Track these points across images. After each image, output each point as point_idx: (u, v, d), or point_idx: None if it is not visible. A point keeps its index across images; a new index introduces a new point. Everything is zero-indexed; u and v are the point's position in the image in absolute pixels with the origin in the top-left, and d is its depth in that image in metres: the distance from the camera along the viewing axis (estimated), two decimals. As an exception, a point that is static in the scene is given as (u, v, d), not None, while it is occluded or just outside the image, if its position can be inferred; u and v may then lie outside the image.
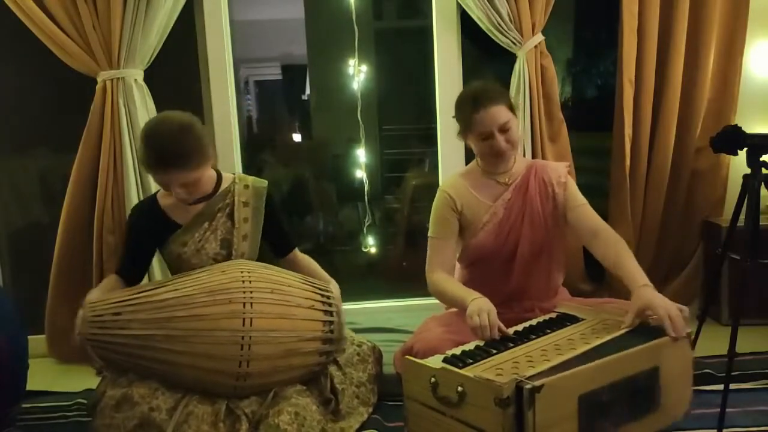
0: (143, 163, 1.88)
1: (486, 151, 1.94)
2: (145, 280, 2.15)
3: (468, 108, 1.92)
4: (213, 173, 2.00)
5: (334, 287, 2.02)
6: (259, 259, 2.03)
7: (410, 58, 3.45)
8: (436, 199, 2.04)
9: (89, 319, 1.75)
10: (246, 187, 2.02)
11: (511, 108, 1.95)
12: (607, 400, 1.48)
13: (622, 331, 1.65)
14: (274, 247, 2.11)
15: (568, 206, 1.98)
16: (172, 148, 1.77)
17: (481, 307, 1.72)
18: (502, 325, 1.71)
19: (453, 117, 2.05)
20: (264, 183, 2.05)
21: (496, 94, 1.92)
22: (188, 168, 1.80)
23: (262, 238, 2.03)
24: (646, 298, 1.65)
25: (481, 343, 1.67)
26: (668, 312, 1.59)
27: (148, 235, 1.98)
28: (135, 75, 2.54)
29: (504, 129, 1.90)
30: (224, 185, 2.01)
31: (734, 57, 2.74)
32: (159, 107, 2.61)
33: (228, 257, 1.97)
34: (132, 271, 2.03)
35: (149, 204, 2.03)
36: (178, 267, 1.98)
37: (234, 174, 2.06)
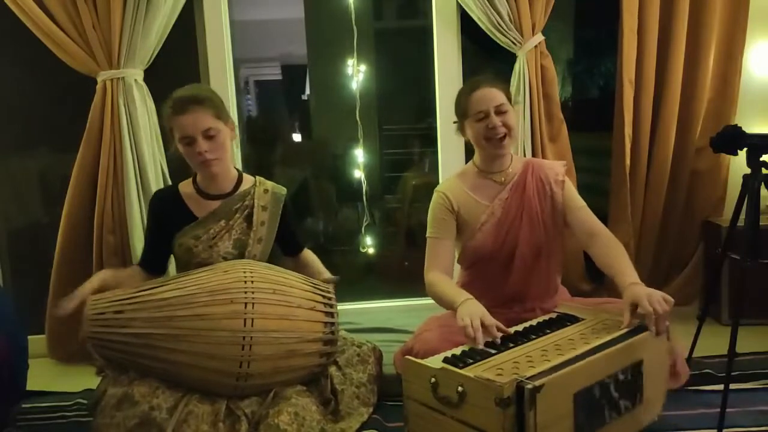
0: (169, 117, 1.91)
1: (482, 133, 1.94)
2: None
3: (465, 91, 1.99)
4: (234, 172, 2.05)
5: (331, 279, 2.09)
6: (267, 261, 2.06)
7: (410, 58, 3.45)
8: (432, 200, 2.05)
9: (90, 317, 1.75)
10: (265, 191, 2.05)
11: (508, 96, 1.99)
12: (599, 396, 1.50)
13: (622, 331, 1.65)
14: (283, 247, 2.16)
15: (567, 208, 1.98)
16: (192, 92, 1.92)
17: (471, 311, 1.71)
18: (500, 324, 1.71)
19: (454, 122, 2.06)
20: (283, 191, 2.09)
21: (493, 79, 1.99)
22: (207, 108, 1.88)
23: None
24: (632, 294, 1.67)
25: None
26: (652, 305, 1.61)
27: (166, 221, 2.00)
28: (135, 75, 2.54)
29: (500, 111, 1.93)
30: (244, 186, 2.05)
31: (734, 57, 2.74)
32: (159, 107, 2.61)
33: (239, 258, 1.98)
34: (153, 261, 2.06)
35: (169, 190, 2.08)
36: (187, 261, 1.98)
37: (255, 177, 2.10)
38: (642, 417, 1.64)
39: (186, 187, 2.04)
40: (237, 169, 2.08)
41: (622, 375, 1.55)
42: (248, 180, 2.07)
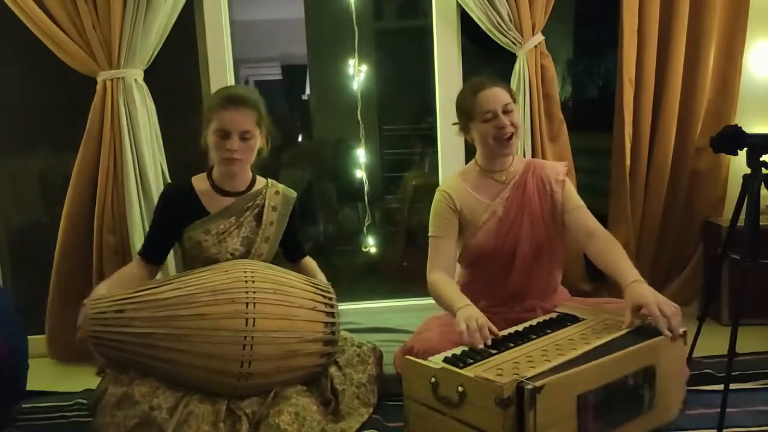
0: (213, 108, 1.95)
1: (491, 132, 1.94)
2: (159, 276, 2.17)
3: (469, 92, 1.98)
4: (250, 173, 2.09)
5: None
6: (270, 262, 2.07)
7: (410, 58, 3.45)
8: (434, 199, 2.05)
9: (91, 316, 1.75)
10: (276, 193, 2.09)
11: (511, 94, 1.99)
12: (605, 400, 1.48)
13: (623, 332, 1.65)
14: (286, 252, 2.19)
15: (566, 208, 1.98)
16: (243, 92, 2.01)
17: (469, 315, 1.71)
18: (493, 327, 1.70)
19: (453, 124, 2.06)
20: (294, 194, 2.14)
21: (495, 79, 1.99)
22: (252, 111, 1.95)
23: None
24: (637, 295, 1.66)
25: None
26: (661, 309, 1.59)
27: (177, 214, 2.01)
28: (135, 75, 2.53)
29: (507, 110, 1.94)
30: (257, 186, 2.09)
31: (734, 57, 2.74)
32: (159, 107, 2.61)
33: (246, 255, 2.00)
34: (155, 253, 2.07)
35: (183, 185, 2.08)
36: (196, 256, 1.99)
37: (267, 179, 2.13)
38: (653, 422, 1.61)
39: (200, 182, 2.06)
40: (252, 171, 2.11)
41: (632, 379, 1.53)
42: (261, 181, 2.11)
